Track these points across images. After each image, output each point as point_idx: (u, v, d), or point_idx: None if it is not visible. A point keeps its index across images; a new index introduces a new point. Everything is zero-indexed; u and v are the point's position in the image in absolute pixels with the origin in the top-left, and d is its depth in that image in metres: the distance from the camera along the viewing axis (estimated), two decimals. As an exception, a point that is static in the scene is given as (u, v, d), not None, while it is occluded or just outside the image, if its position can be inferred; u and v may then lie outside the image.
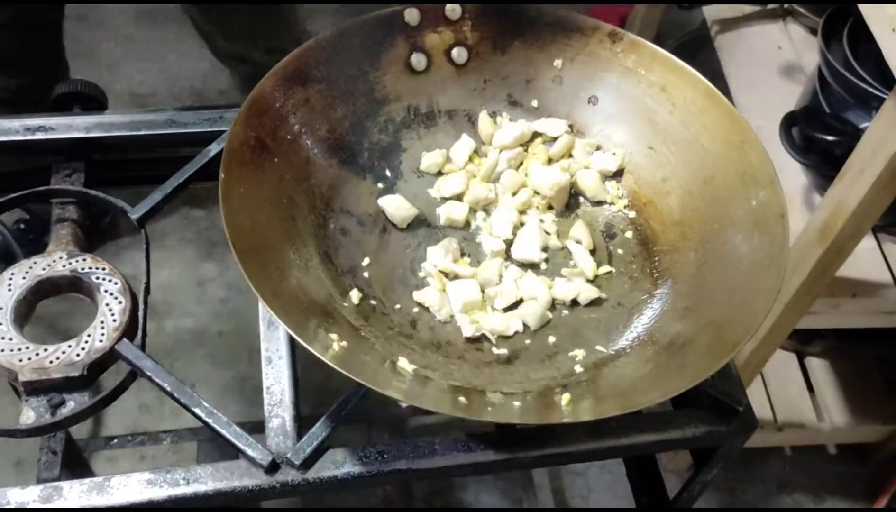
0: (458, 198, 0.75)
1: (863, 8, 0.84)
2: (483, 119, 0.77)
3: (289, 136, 0.69)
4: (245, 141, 0.65)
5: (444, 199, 0.75)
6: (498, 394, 0.61)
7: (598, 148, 0.77)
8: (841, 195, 0.94)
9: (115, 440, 1.31)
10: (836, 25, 1.12)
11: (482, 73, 0.78)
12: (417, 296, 0.68)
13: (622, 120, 0.76)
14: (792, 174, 1.19)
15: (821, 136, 1.03)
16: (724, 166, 0.69)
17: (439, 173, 0.76)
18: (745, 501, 1.52)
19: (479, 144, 0.78)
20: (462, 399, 0.59)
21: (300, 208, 0.68)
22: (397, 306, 0.67)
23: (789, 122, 1.08)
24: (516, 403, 0.60)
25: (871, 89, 1.02)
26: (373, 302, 0.67)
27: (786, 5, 1.44)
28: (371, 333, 0.63)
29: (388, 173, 0.75)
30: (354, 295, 0.66)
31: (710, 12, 1.48)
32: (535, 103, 0.79)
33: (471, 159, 0.76)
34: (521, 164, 0.77)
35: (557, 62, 0.77)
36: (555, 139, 0.77)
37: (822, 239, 0.99)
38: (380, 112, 0.76)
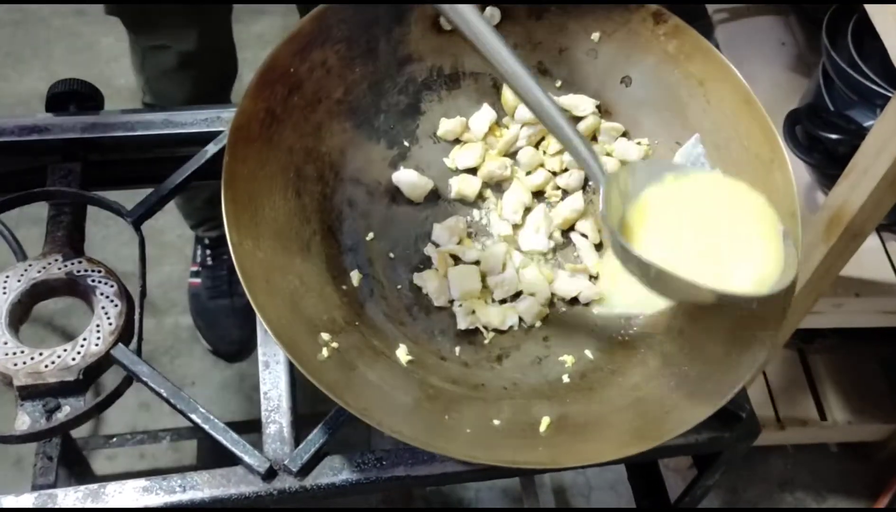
0: (472, 171, 0.73)
1: (868, 6, 0.83)
2: (508, 89, 0.73)
3: (301, 102, 0.67)
4: (254, 115, 0.63)
5: (458, 171, 0.73)
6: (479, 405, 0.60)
7: (625, 133, 0.74)
8: (845, 194, 0.93)
9: (115, 438, 1.30)
10: (841, 22, 1.10)
11: (513, 37, 0.73)
12: (417, 279, 0.67)
13: (653, 107, 0.72)
14: (795, 172, 1.17)
15: (825, 135, 1.02)
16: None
17: (456, 141, 0.74)
18: (748, 500, 1.51)
19: (501, 116, 0.75)
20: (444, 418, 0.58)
21: (308, 180, 0.66)
22: (398, 287, 0.67)
23: (793, 119, 1.07)
24: (496, 422, 0.59)
25: (876, 87, 1.01)
26: (370, 286, 0.66)
27: (790, 1, 1.43)
28: (364, 324, 0.63)
29: (402, 138, 0.72)
30: (355, 276, 0.65)
31: (714, 7, 1.47)
32: (565, 75, 0.75)
33: (490, 131, 0.74)
34: (541, 141, 0.74)
35: (595, 35, 0.73)
36: (580, 119, 0.73)
37: (826, 238, 0.98)
38: (401, 72, 0.72)
